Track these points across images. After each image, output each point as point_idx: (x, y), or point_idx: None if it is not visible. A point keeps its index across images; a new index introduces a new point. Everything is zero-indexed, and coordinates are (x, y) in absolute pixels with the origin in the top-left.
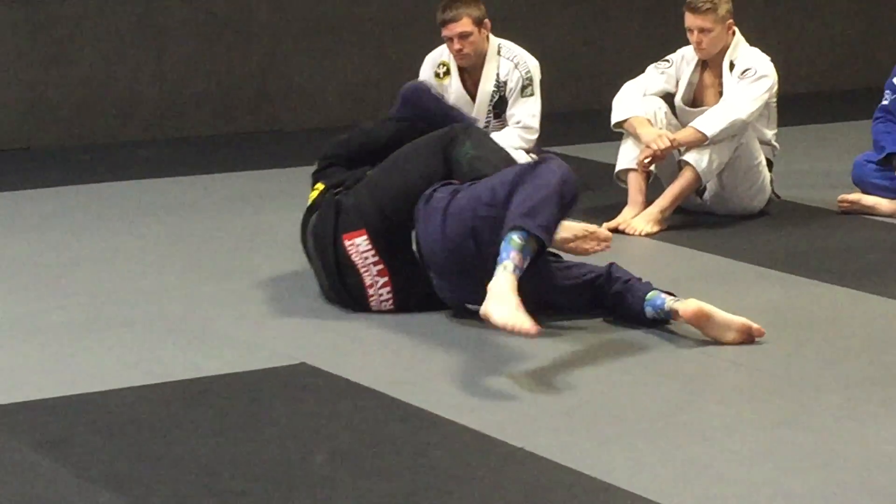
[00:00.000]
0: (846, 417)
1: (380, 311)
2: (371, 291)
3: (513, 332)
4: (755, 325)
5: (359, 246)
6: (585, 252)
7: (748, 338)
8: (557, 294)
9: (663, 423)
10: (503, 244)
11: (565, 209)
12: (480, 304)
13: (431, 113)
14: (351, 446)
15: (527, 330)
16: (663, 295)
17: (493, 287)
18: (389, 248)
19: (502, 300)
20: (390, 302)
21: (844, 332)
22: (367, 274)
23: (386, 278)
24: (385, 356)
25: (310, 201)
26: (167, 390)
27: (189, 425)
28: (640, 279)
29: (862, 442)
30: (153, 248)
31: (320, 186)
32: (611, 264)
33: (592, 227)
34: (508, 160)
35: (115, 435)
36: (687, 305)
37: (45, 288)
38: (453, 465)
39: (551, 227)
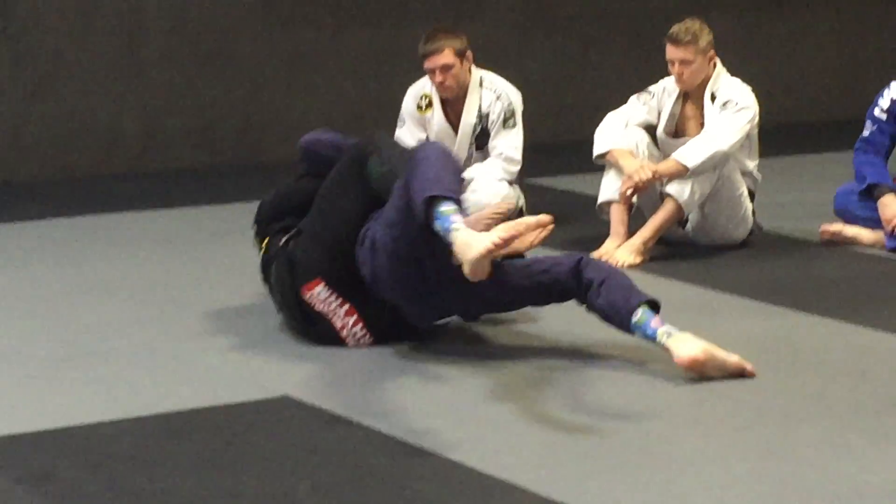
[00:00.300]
0: (828, 448)
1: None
2: (344, 333)
3: (488, 253)
4: (749, 367)
5: (319, 294)
6: (531, 245)
7: (739, 375)
8: (519, 295)
9: (646, 454)
10: (437, 222)
11: (458, 172)
12: (453, 315)
13: (331, 158)
14: (334, 479)
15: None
16: (653, 324)
17: (458, 242)
18: (349, 287)
19: (470, 243)
20: (367, 337)
21: (827, 362)
22: (335, 318)
23: (354, 316)
24: (368, 388)
25: (261, 251)
26: (149, 424)
27: (171, 459)
28: (615, 276)
29: (844, 473)
30: (135, 281)
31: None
32: (578, 261)
33: (528, 219)
34: (406, 160)
35: (97, 469)
36: (680, 350)
37: (27, 321)
38: (437, 498)
39: (457, 189)
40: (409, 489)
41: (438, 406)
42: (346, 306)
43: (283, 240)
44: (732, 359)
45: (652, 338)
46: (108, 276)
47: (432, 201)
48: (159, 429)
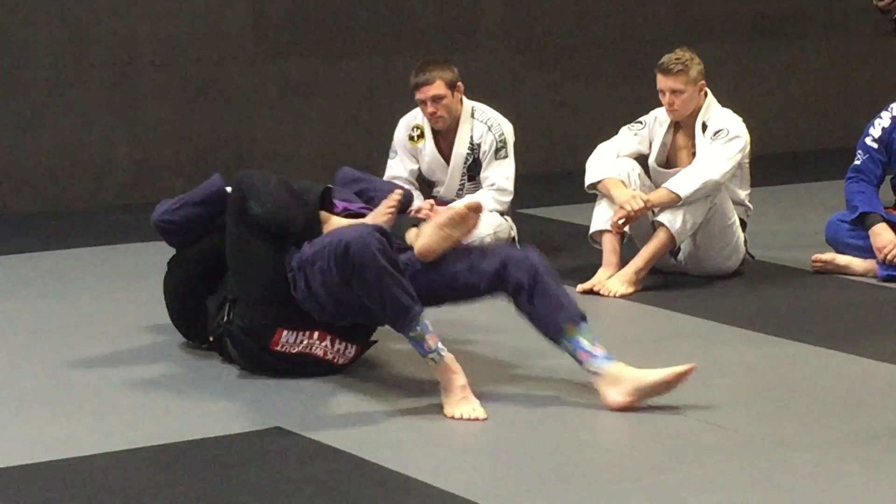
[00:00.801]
0: (820, 477)
1: (352, 373)
2: (329, 356)
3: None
4: (680, 370)
5: (287, 340)
6: (467, 234)
7: (683, 381)
8: (452, 294)
9: (639, 483)
10: None
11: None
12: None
13: (192, 217)
14: None
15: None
16: (581, 355)
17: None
18: (309, 317)
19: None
20: (350, 348)
21: (818, 391)
22: (314, 350)
23: (329, 337)
24: (360, 419)
25: (210, 342)
26: (142, 456)
27: (164, 491)
28: (542, 280)
29: (837, 501)
30: (127, 313)
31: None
32: (504, 266)
33: (454, 208)
34: (283, 186)
35: (90, 501)
36: (609, 397)
37: (19, 353)
38: None
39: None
40: None
41: (430, 437)
42: (317, 333)
43: (224, 316)
44: (660, 376)
45: (577, 360)
46: (99, 308)
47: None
48: (151, 461)
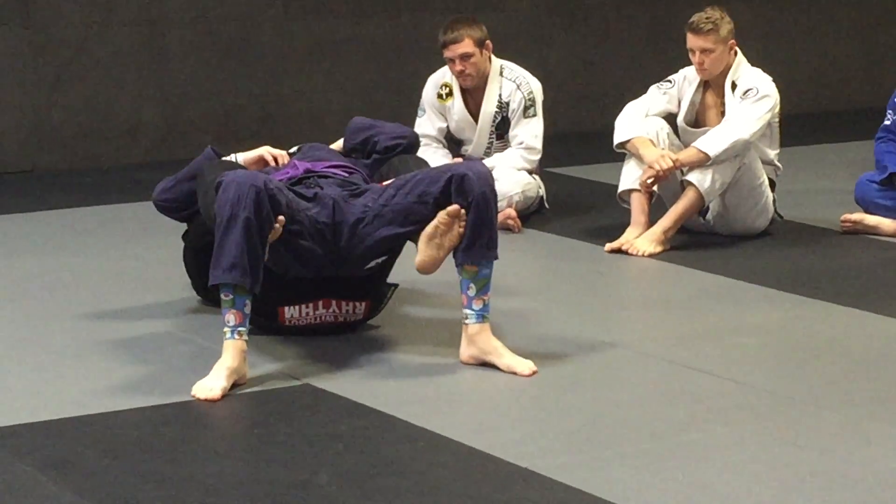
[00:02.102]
0: (850, 436)
1: (379, 332)
2: (342, 319)
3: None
4: (519, 368)
5: (292, 315)
6: (457, 238)
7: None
8: (407, 223)
9: (667, 442)
10: None
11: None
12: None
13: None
14: (354, 467)
15: None
16: (465, 296)
17: None
18: (304, 289)
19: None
20: (361, 306)
21: (847, 351)
22: (325, 319)
23: (335, 301)
24: (388, 377)
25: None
26: (170, 411)
27: (192, 446)
28: (476, 210)
29: (866, 460)
30: (156, 270)
31: None
32: (446, 192)
33: (444, 212)
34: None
35: (118, 456)
36: (462, 346)
37: (49, 310)
38: (458, 485)
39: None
40: (429, 477)
41: (459, 394)
42: (320, 302)
43: None
44: (501, 361)
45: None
46: (129, 264)
47: None
48: (180, 416)
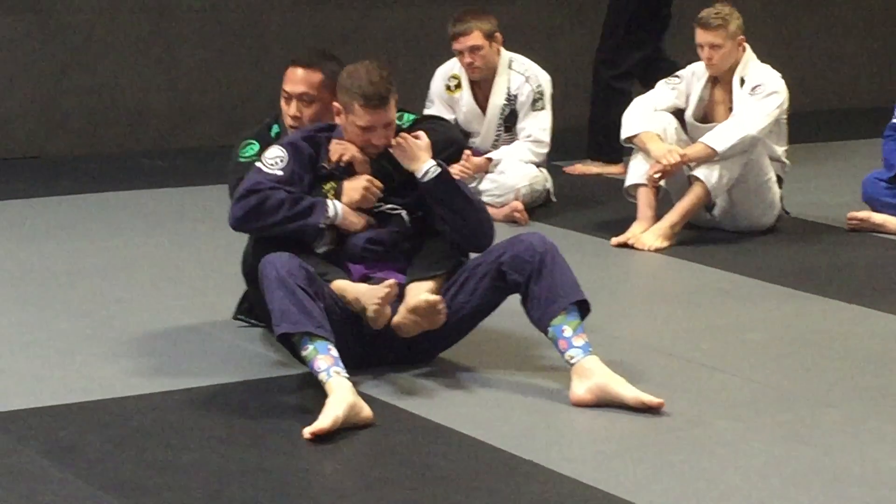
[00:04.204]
0: (854, 433)
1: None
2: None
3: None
4: (647, 399)
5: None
6: (435, 326)
7: (644, 408)
8: (449, 331)
9: (673, 436)
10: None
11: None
12: None
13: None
14: (359, 457)
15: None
16: (561, 344)
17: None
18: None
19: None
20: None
21: (852, 348)
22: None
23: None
24: (393, 367)
25: None
26: (175, 399)
27: (197, 433)
28: (541, 273)
29: (869, 457)
30: (163, 258)
31: None
32: (499, 266)
33: (425, 299)
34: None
35: (123, 442)
36: (573, 388)
37: (55, 296)
38: (462, 476)
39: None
40: (434, 468)
41: (465, 386)
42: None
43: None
44: (629, 393)
45: (557, 347)
46: (135, 252)
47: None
48: (185, 403)
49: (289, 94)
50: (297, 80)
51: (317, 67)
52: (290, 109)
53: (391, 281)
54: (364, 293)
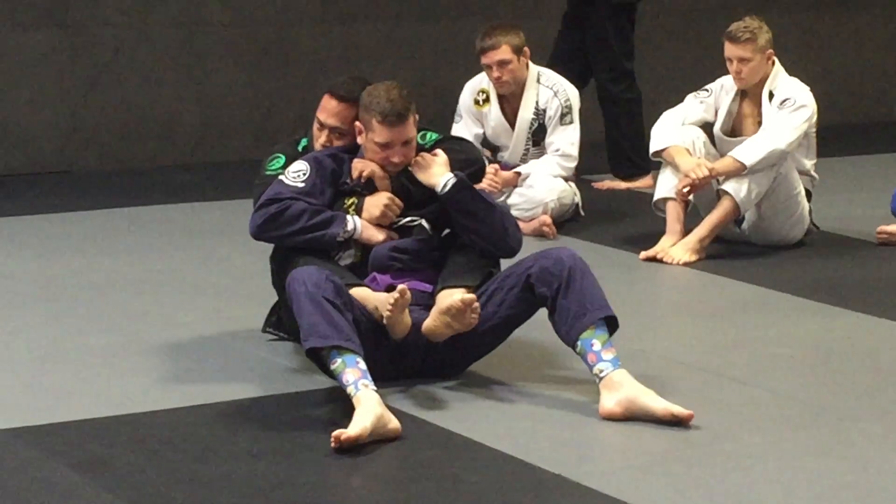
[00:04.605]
0: (884, 447)
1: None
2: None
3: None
4: (677, 411)
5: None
6: (467, 327)
7: (674, 420)
8: (478, 341)
9: (701, 451)
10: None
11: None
12: None
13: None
14: (388, 471)
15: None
16: (590, 358)
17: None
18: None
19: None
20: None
21: (882, 362)
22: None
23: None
24: (421, 380)
25: None
26: (205, 412)
27: (226, 447)
28: (568, 287)
29: None
30: (192, 272)
31: None
32: (528, 278)
33: (460, 298)
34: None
35: (153, 456)
36: (602, 402)
37: (84, 310)
38: (491, 490)
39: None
40: (463, 482)
41: (493, 400)
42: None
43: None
44: (659, 406)
45: (586, 361)
46: (164, 266)
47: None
48: (214, 417)
49: (322, 124)
50: (331, 112)
51: (352, 102)
52: (321, 138)
53: (402, 286)
54: (381, 301)
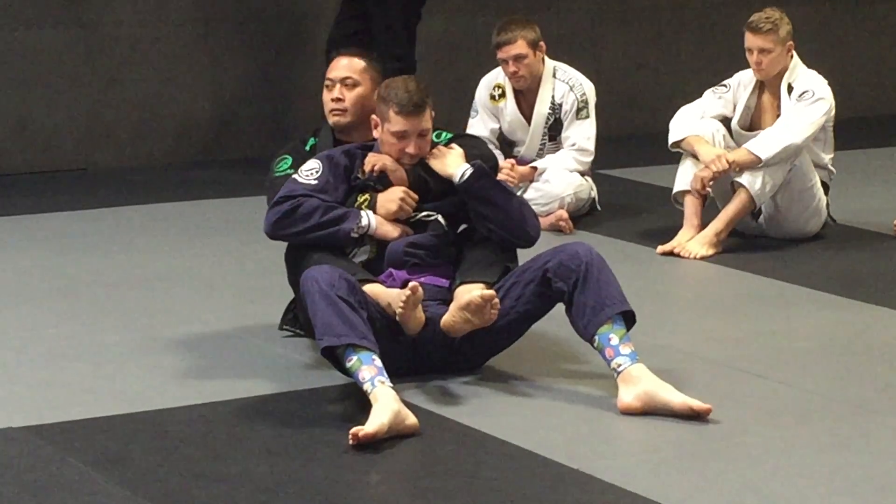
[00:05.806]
0: None
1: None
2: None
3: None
4: (696, 405)
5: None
6: (486, 323)
7: (692, 414)
8: (496, 336)
9: (717, 444)
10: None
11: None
12: None
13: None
14: (405, 467)
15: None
16: (608, 353)
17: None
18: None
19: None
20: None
21: None
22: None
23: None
24: (438, 376)
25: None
26: (222, 409)
27: (244, 444)
28: (586, 280)
29: None
30: (209, 269)
31: None
32: (545, 272)
33: (479, 294)
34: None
35: (170, 453)
36: (620, 396)
37: (101, 307)
38: (508, 485)
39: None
40: (480, 477)
41: (509, 395)
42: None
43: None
44: (677, 399)
45: (604, 357)
46: (181, 263)
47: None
48: (232, 414)
49: (332, 81)
50: (341, 66)
51: (360, 56)
52: (331, 94)
53: (413, 283)
54: (394, 297)
